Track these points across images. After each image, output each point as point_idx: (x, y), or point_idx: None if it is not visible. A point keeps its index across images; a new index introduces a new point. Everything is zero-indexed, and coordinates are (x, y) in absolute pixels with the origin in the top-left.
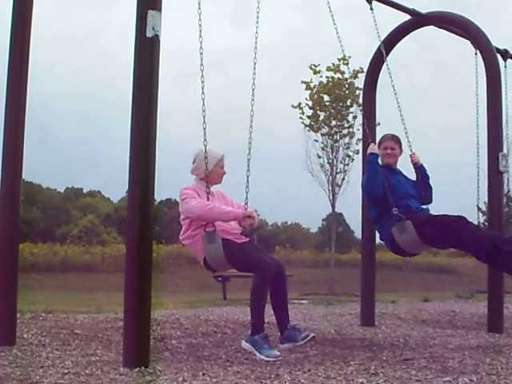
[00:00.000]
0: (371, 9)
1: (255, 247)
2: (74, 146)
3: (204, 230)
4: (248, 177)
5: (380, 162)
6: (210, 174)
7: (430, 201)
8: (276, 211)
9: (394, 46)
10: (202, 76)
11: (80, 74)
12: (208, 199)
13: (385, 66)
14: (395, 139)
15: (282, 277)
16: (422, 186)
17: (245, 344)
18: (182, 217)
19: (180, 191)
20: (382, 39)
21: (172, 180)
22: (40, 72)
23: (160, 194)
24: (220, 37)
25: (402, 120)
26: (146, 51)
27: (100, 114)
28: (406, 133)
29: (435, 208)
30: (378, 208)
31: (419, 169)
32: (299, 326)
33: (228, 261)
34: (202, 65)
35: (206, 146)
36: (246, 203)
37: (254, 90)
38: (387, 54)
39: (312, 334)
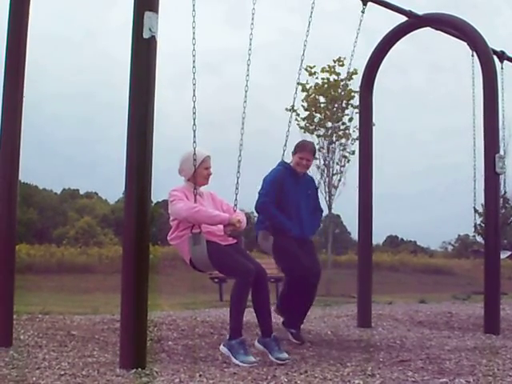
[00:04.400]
0: (363, 11)
1: (240, 250)
2: (71, 147)
3: (190, 232)
4: (238, 178)
5: (291, 165)
6: (194, 175)
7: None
8: None
9: (391, 47)
10: (194, 78)
11: (77, 74)
12: (196, 200)
13: (381, 67)
14: (313, 151)
15: (262, 281)
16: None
17: (222, 348)
18: (171, 218)
19: (169, 193)
20: (379, 41)
21: (169, 181)
22: (36, 72)
23: (157, 195)
24: (216, 38)
25: None
26: (143, 52)
27: (97, 115)
28: None
29: (431, 211)
30: None
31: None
32: (280, 339)
33: (211, 263)
34: (194, 67)
35: (195, 148)
36: (235, 205)
37: (246, 91)
38: (384, 55)
39: (287, 358)
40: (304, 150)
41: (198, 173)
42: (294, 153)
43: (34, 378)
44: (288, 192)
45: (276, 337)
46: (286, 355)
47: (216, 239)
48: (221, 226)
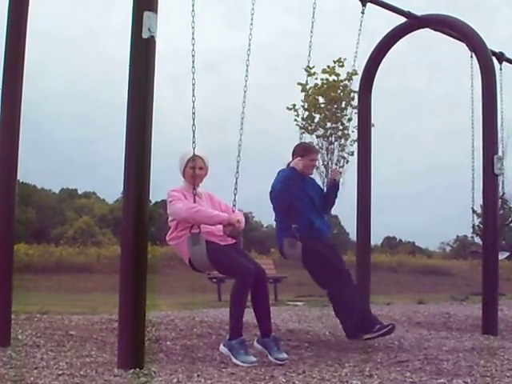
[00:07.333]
0: (362, 12)
1: (239, 251)
2: (70, 147)
3: (189, 232)
4: (237, 179)
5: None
6: (183, 175)
7: (327, 213)
8: (271, 213)
9: (390, 48)
10: (193, 79)
11: (76, 73)
12: (195, 201)
13: (380, 67)
14: (317, 152)
15: (262, 281)
16: (327, 200)
17: (222, 348)
18: (169, 218)
19: (167, 193)
20: (378, 41)
21: (167, 181)
22: (36, 71)
23: (155, 195)
24: (215, 38)
25: None
26: (142, 52)
27: (96, 115)
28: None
29: (429, 212)
30: (281, 215)
31: (334, 186)
32: (279, 340)
33: (210, 263)
34: (193, 67)
35: (194, 149)
36: (234, 205)
37: (245, 91)
38: (383, 56)
39: (286, 359)
40: (312, 152)
41: (185, 173)
42: (302, 156)
43: (32, 378)
44: (300, 193)
45: (275, 337)
46: (285, 355)
47: (215, 239)
48: (220, 226)
